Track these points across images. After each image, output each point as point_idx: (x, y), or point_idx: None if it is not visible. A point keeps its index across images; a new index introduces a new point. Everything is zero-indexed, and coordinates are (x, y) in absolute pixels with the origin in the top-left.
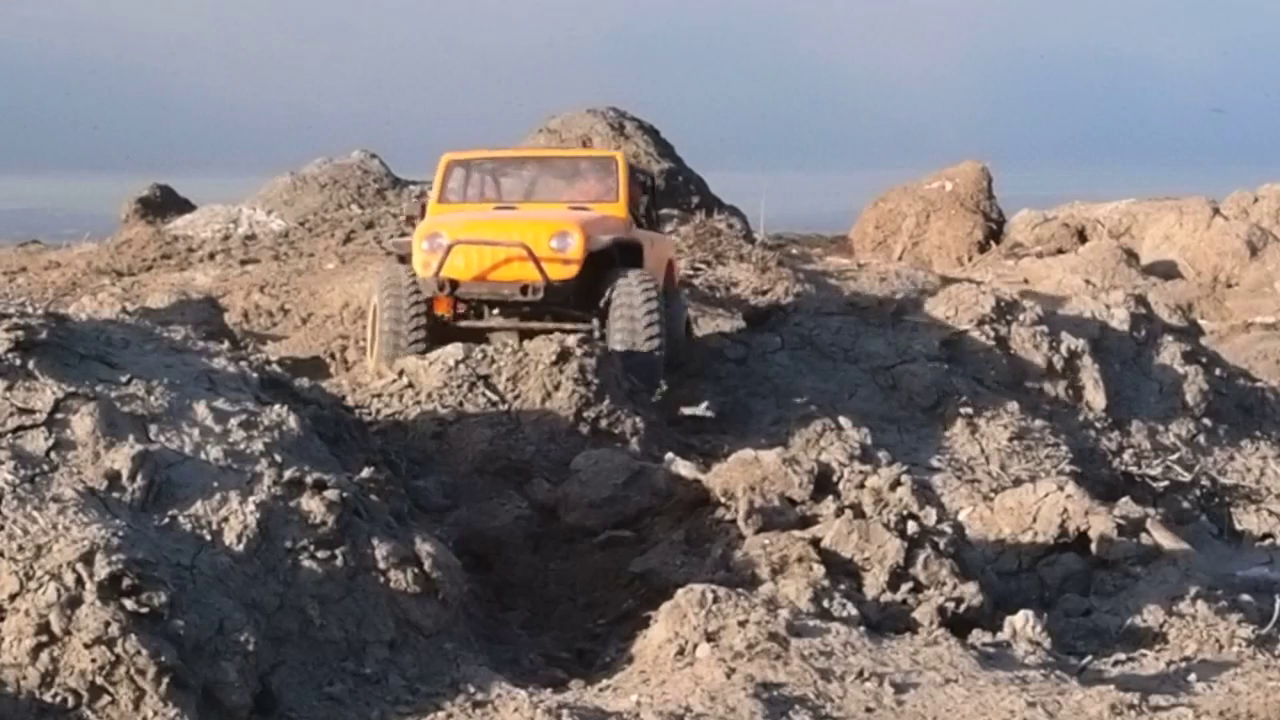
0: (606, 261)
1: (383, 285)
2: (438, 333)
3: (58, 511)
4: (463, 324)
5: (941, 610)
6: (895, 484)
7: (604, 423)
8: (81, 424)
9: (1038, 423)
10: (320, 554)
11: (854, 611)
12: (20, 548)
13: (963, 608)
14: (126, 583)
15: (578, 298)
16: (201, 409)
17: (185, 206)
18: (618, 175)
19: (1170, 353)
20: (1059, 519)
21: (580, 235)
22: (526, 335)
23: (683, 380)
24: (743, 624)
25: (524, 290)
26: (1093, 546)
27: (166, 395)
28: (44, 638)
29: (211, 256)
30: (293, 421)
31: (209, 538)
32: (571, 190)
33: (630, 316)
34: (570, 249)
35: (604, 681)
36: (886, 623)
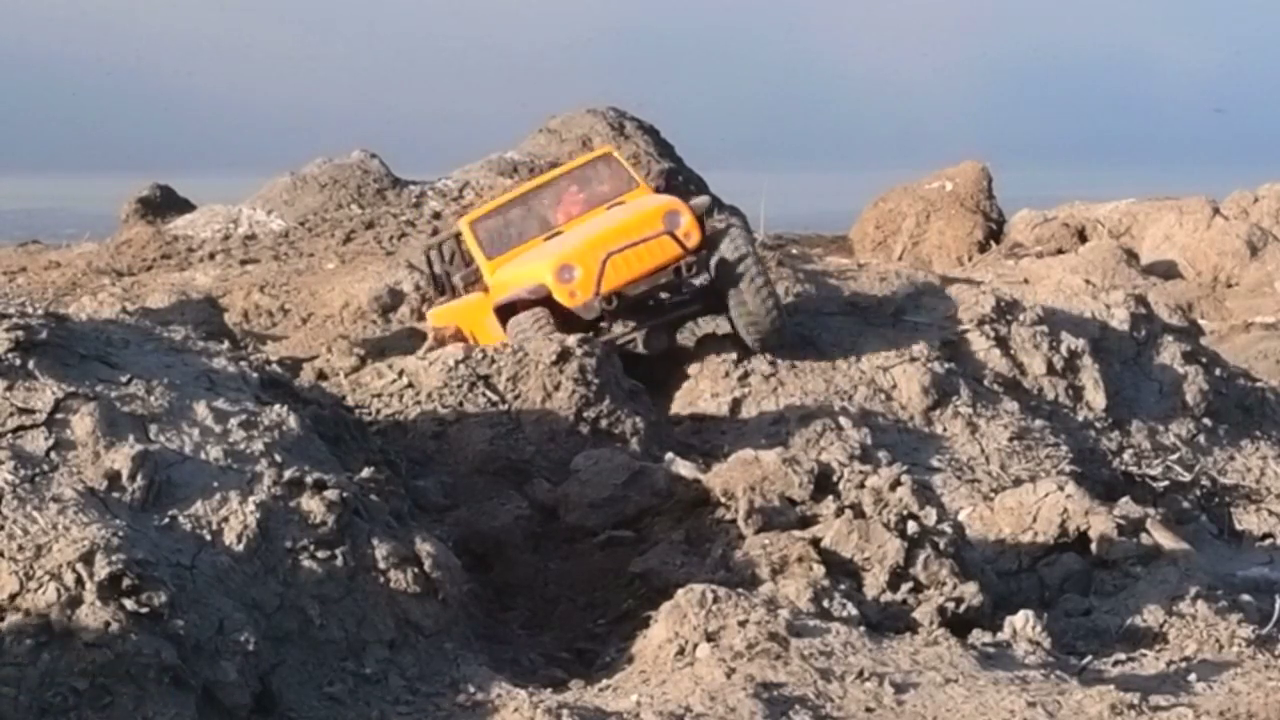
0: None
1: (513, 334)
2: None
3: (58, 511)
4: (621, 335)
5: (941, 610)
6: (895, 484)
7: (604, 423)
8: (81, 424)
9: (1038, 423)
10: (320, 554)
11: (854, 611)
12: (20, 548)
13: (963, 608)
14: (126, 583)
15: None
16: (201, 409)
17: (185, 206)
18: (623, 165)
19: (1170, 353)
20: (1059, 519)
21: (686, 209)
22: (669, 329)
23: (682, 379)
24: (743, 624)
25: (678, 273)
26: (1093, 546)
27: (166, 395)
28: (44, 638)
29: (211, 256)
30: (293, 421)
31: (209, 538)
32: (595, 195)
33: (744, 303)
34: (684, 224)
35: (604, 681)
36: (886, 623)
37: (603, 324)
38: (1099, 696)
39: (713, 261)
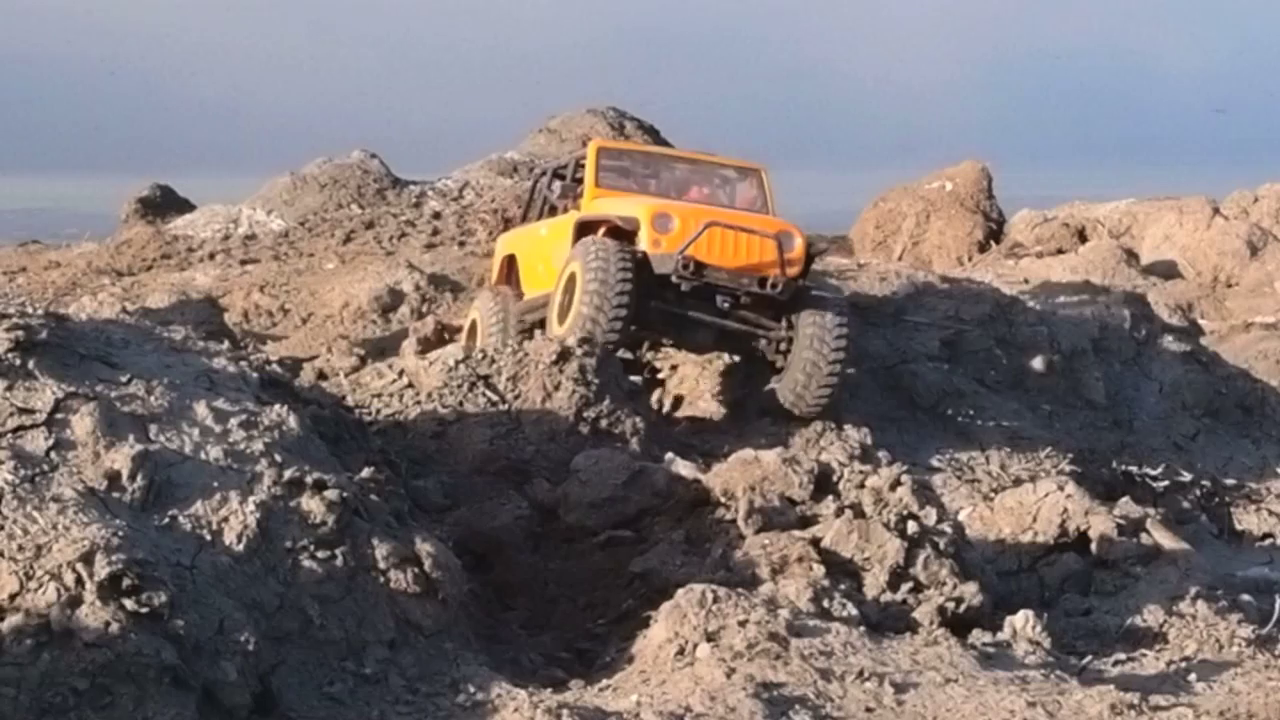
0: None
1: (588, 254)
2: (640, 311)
3: (58, 511)
4: (675, 309)
5: (941, 610)
6: (895, 484)
7: (604, 423)
8: (81, 424)
9: (1038, 423)
10: (320, 554)
11: (854, 611)
12: (20, 548)
13: (963, 608)
14: (126, 583)
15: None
16: (201, 409)
17: (185, 206)
18: (765, 187)
19: (1170, 353)
20: (1059, 519)
21: (802, 238)
22: (724, 332)
23: (680, 381)
24: (743, 624)
25: (763, 283)
26: (1093, 546)
27: (166, 395)
28: (44, 638)
29: (211, 256)
30: (293, 421)
31: (209, 538)
32: (722, 196)
33: (815, 361)
34: (795, 249)
35: (604, 681)
36: (886, 623)
37: (659, 303)
38: (1099, 696)
39: (803, 318)
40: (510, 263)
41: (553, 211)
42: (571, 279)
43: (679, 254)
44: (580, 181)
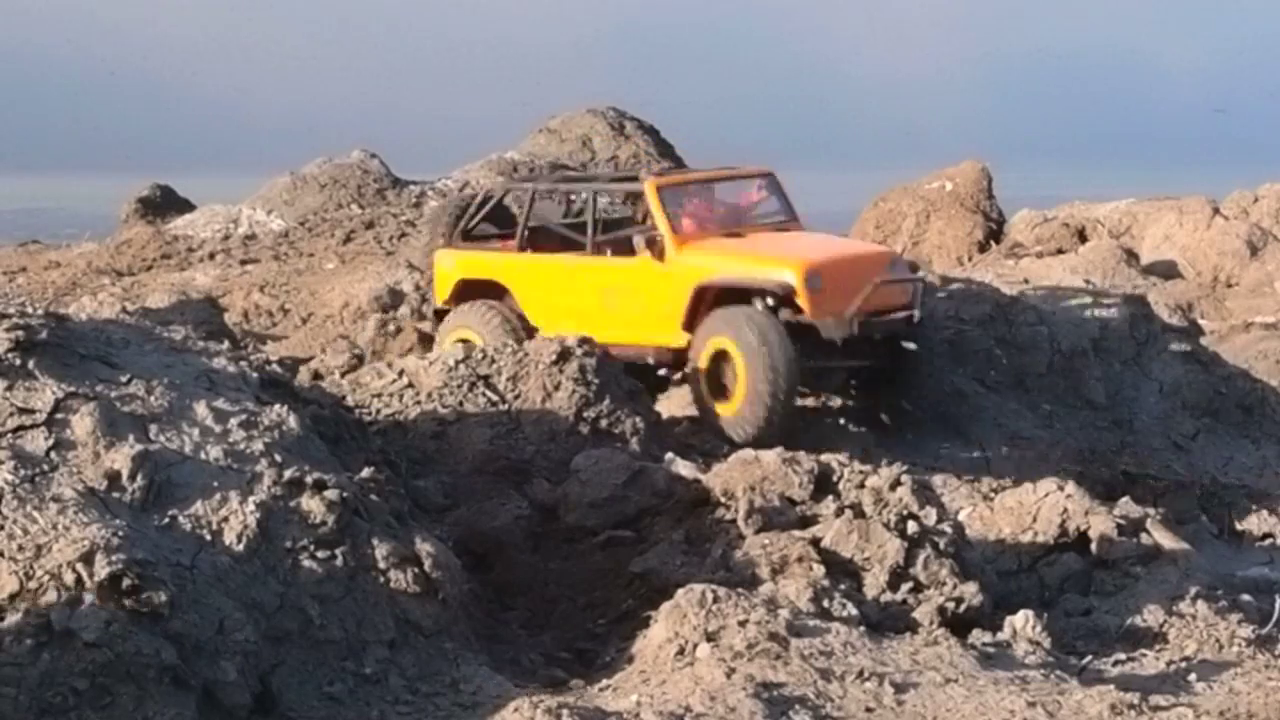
0: None
1: (747, 330)
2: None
3: (58, 511)
4: (824, 363)
5: (941, 610)
6: (895, 484)
7: (604, 423)
8: (81, 424)
9: (1038, 423)
10: (320, 554)
11: (854, 611)
12: (20, 548)
13: (963, 608)
14: (126, 583)
15: None
16: (201, 409)
17: (185, 206)
18: (784, 192)
19: (1170, 353)
20: (1059, 519)
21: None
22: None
23: (682, 380)
24: (743, 624)
25: (909, 321)
26: (1093, 546)
27: (166, 395)
28: (44, 638)
29: (211, 256)
30: (293, 421)
31: (209, 538)
32: (752, 208)
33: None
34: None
35: (604, 681)
36: (886, 623)
37: (809, 360)
38: (1099, 696)
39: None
40: (469, 286)
41: (549, 237)
42: (722, 353)
43: (850, 318)
44: (614, 221)
